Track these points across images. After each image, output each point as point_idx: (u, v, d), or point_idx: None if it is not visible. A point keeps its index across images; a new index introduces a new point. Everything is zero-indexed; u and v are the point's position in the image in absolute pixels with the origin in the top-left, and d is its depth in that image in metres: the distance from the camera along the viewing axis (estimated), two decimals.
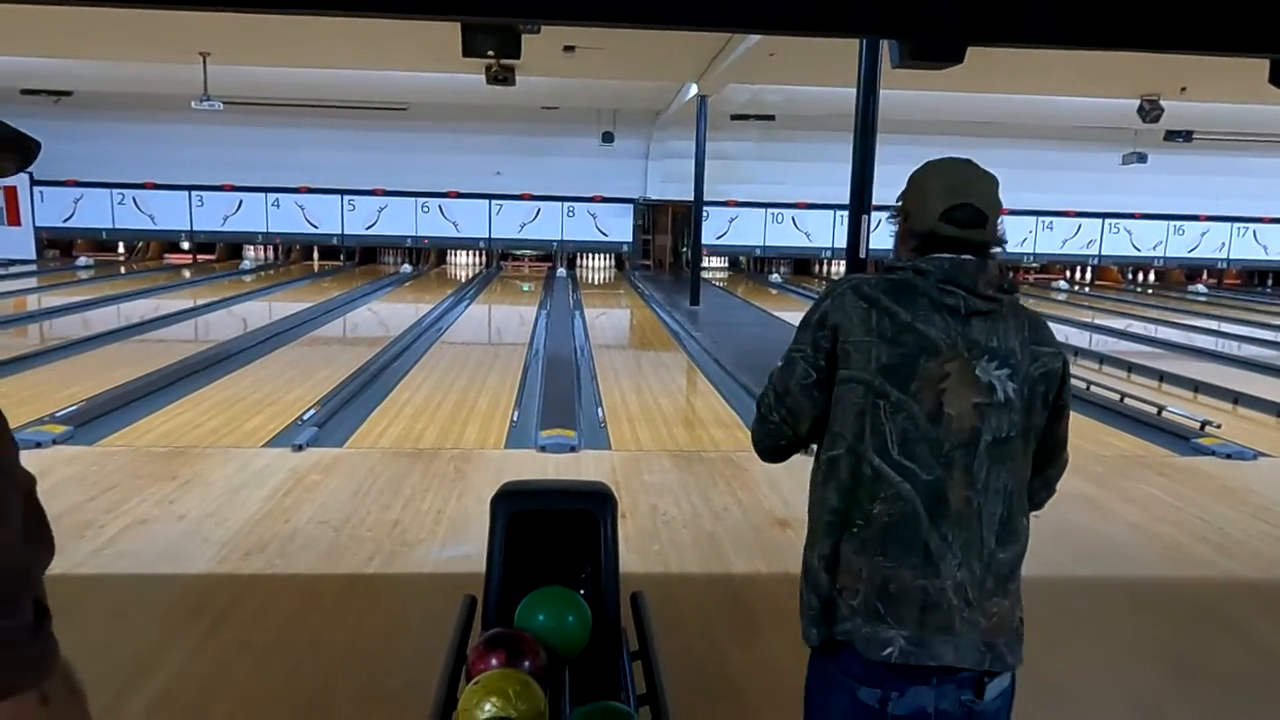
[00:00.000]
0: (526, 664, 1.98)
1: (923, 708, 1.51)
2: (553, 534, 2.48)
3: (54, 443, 5.40)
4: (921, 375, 1.50)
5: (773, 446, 1.75)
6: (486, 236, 20.37)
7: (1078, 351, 10.22)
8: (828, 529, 1.62)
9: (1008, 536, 1.55)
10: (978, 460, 1.50)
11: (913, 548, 1.50)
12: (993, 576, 1.53)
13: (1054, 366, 1.64)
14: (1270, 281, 22.04)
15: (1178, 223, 21.02)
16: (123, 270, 18.45)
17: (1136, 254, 21.32)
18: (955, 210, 1.64)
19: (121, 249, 20.74)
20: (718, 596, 3.64)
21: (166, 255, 20.77)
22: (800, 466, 5.23)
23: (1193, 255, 21.34)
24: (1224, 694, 3.03)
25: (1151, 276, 22.09)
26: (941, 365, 1.51)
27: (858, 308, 1.57)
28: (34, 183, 18.95)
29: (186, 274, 17.85)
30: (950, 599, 1.49)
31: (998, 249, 1.69)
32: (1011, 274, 1.78)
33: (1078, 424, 6.23)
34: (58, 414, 5.96)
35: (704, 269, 16.52)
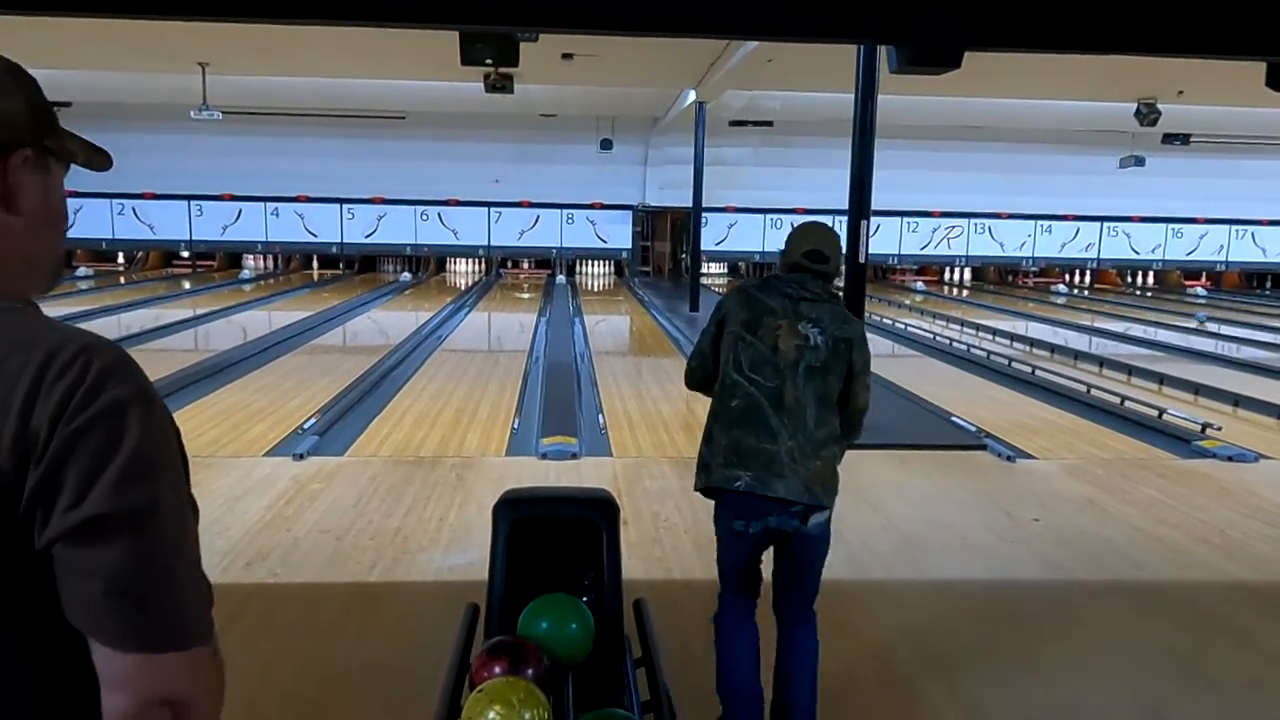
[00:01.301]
0: (530, 672, 1.97)
1: (767, 527, 2.51)
2: (555, 541, 2.47)
3: None
4: (765, 327, 2.50)
5: (698, 380, 2.76)
6: (486, 244, 20.39)
7: (1077, 355, 10.23)
8: (711, 418, 2.60)
9: (821, 424, 2.49)
10: (800, 377, 2.48)
11: (758, 425, 2.46)
12: (811, 446, 2.47)
13: (850, 335, 2.54)
14: (1269, 284, 22.05)
15: (1176, 225, 21.05)
16: (122, 280, 18.45)
17: (1135, 257, 21.34)
18: (810, 251, 2.60)
19: (121, 259, 20.75)
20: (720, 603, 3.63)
21: (173, 264, 20.78)
22: None
23: (1191, 258, 21.36)
24: (1226, 696, 3.02)
25: (1150, 279, 22.11)
26: (776, 322, 2.50)
27: (738, 296, 2.64)
28: None
29: (186, 284, 17.86)
30: (783, 458, 2.44)
31: (836, 275, 2.66)
32: (838, 289, 2.76)
33: (1080, 426, 6.28)
34: None
35: (703, 275, 16.53)
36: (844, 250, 2.75)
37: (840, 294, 2.81)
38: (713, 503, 2.72)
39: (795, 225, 2.80)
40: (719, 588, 2.80)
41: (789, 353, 2.47)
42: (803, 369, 2.47)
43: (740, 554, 2.67)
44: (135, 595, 0.82)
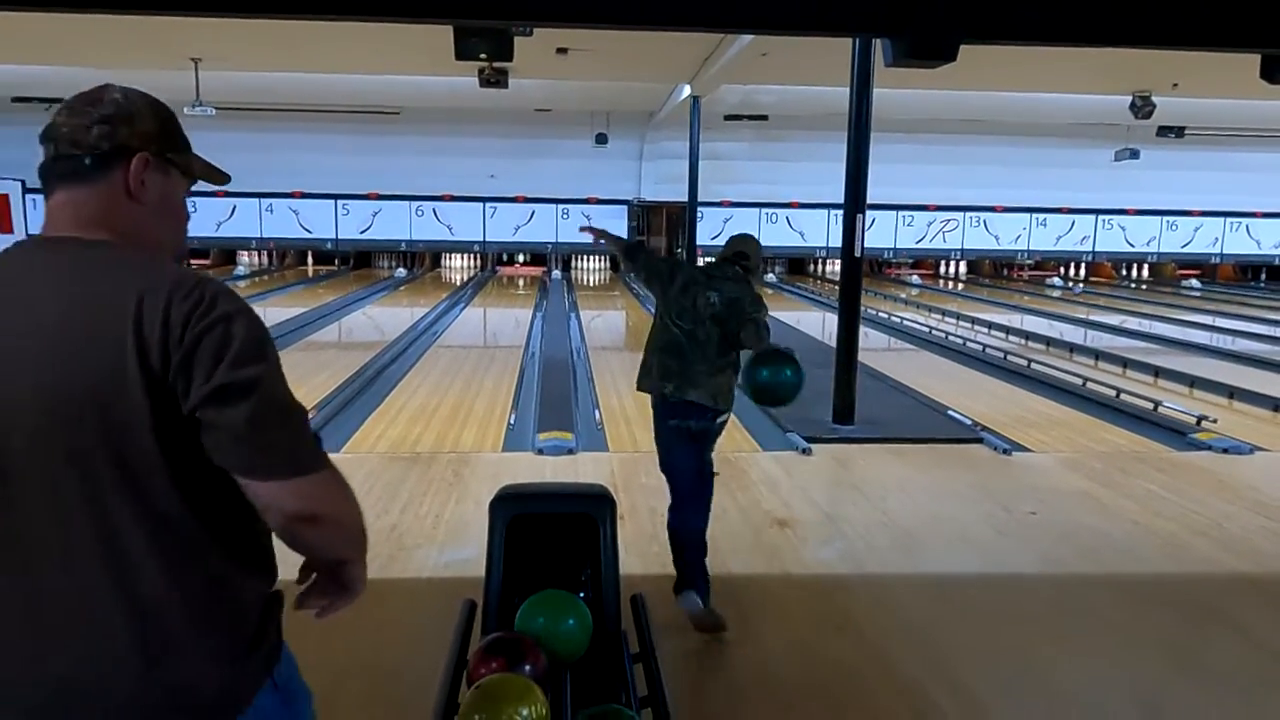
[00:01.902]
0: (528, 668, 1.97)
1: (689, 424, 3.38)
2: (552, 537, 2.47)
3: None
4: (690, 293, 3.44)
5: (641, 276, 3.76)
6: (481, 239, 20.36)
7: (1073, 348, 10.24)
8: (648, 349, 3.53)
9: (724, 352, 3.41)
10: (711, 322, 3.38)
11: (677, 354, 3.40)
12: (714, 367, 3.38)
13: (739, 295, 3.43)
14: (1264, 275, 22.09)
15: (1171, 218, 21.07)
16: None
17: (1130, 250, 21.37)
18: (736, 253, 3.61)
19: None
20: (718, 598, 3.63)
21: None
22: (799, 472, 5.23)
23: (1186, 250, 21.39)
24: (1224, 688, 3.03)
25: (1145, 272, 22.14)
26: (697, 289, 3.43)
27: (686, 270, 3.66)
28: (26, 190, 18.89)
29: None
30: (696, 373, 3.35)
31: (755, 269, 3.63)
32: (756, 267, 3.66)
33: (1076, 420, 6.30)
34: None
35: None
36: (761, 252, 3.76)
37: (748, 278, 3.60)
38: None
39: (732, 235, 3.82)
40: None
41: (702, 309, 3.41)
42: (709, 318, 3.41)
43: (669, 442, 3.50)
44: (256, 440, 1.15)
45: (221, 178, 1.51)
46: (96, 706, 1.15)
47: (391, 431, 6.20)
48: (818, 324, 12.39)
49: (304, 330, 11.08)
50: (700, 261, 19.01)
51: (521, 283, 18.82)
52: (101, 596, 1.14)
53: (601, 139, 19.08)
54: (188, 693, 1.18)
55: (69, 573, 1.13)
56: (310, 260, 21.26)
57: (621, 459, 5.56)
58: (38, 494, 1.13)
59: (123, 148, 1.26)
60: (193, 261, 20.46)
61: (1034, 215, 20.96)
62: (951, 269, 21.99)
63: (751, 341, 3.36)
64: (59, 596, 1.14)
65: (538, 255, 20.90)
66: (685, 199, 14.76)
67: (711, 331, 3.40)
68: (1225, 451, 5.90)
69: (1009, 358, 9.29)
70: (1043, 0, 3.79)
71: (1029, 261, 21.59)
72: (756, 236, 3.84)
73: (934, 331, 11.50)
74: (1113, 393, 7.36)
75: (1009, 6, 3.77)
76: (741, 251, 3.63)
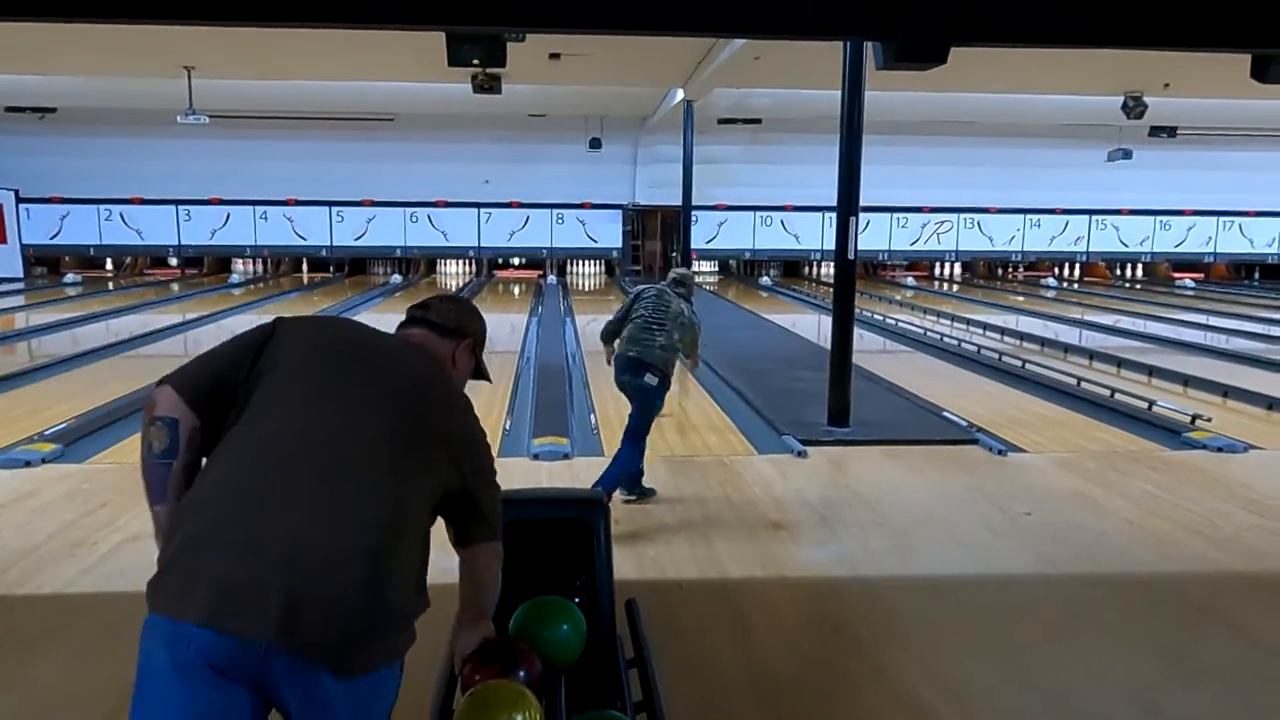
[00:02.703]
0: (522, 674, 1.97)
1: (625, 381, 4.75)
2: (547, 542, 2.47)
3: (43, 461, 5.36)
4: (646, 301, 4.84)
5: (609, 335, 4.88)
6: (476, 245, 20.36)
7: (1067, 348, 10.26)
8: (617, 338, 4.83)
9: (671, 333, 4.75)
10: (662, 322, 4.75)
11: (641, 337, 4.70)
12: (665, 339, 4.72)
13: (678, 311, 4.80)
14: (1257, 274, 22.16)
15: (1164, 218, 21.14)
16: (110, 286, 18.37)
17: (1124, 249, 21.42)
18: (674, 279, 5.08)
19: (109, 265, 20.65)
20: (713, 602, 3.64)
21: (146, 272, 20.67)
22: (793, 473, 5.21)
23: (1180, 250, 21.45)
24: (1219, 687, 3.04)
25: (1139, 271, 22.20)
26: (650, 297, 4.87)
27: (638, 295, 4.91)
28: (20, 200, 18.88)
29: (175, 288, 17.78)
30: (655, 344, 4.68)
31: (690, 289, 5.07)
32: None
33: (1070, 419, 6.30)
34: (47, 432, 5.92)
35: (694, 273, 16.52)
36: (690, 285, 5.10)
37: (688, 297, 5.01)
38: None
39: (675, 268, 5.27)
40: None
41: (650, 311, 4.77)
42: (664, 318, 4.76)
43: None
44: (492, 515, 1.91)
45: (487, 379, 2.16)
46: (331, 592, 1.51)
47: None
48: (813, 326, 12.40)
49: None
50: (696, 265, 19.06)
51: (517, 289, 18.82)
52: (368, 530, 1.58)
53: (595, 144, 19.10)
54: (383, 610, 1.54)
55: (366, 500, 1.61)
56: (305, 267, 21.24)
57: None
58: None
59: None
60: (187, 270, 20.46)
61: (1028, 216, 21.01)
62: (947, 270, 22.02)
63: (685, 346, 4.87)
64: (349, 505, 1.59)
65: (533, 260, 20.91)
66: (679, 203, 14.79)
67: (666, 327, 4.78)
68: (1219, 450, 5.91)
69: (1003, 358, 9.31)
70: (1032, 3, 3.81)
71: (1022, 262, 21.63)
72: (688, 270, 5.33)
73: (929, 333, 11.52)
74: (1107, 392, 7.37)
75: (998, 9, 3.79)
76: (678, 279, 5.11)
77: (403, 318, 2.12)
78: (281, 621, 1.46)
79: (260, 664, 1.47)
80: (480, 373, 2.09)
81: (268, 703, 1.54)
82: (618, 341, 4.79)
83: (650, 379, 4.65)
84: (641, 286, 5.01)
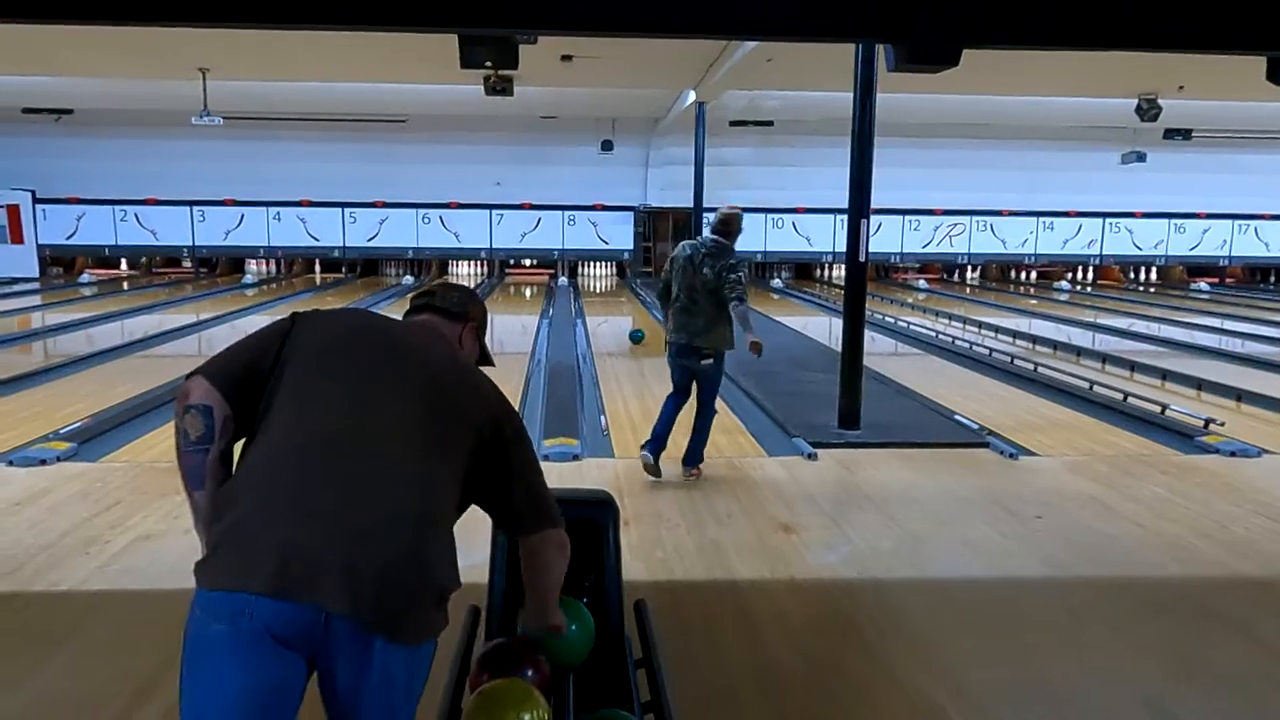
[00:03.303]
0: (530, 673, 1.98)
1: (685, 364, 5.17)
2: None
3: (58, 460, 5.40)
4: (681, 266, 5.07)
5: (662, 297, 5.23)
6: (488, 247, 20.41)
7: (1080, 351, 10.21)
8: (668, 303, 5.18)
9: (718, 310, 4.96)
10: (703, 288, 4.97)
11: (682, 321, 5.06)
12: (704, 316, 4.99)
13: (724, 262, 4.93)
14: (1272, 278, 22.00)
15: (1178, 221, 21.00)
16: (125, 286, 18.48)
17: (1138, 253, 21.30)
18: (716, 225, 5.09)
19: (124, 265, 20.78)
20: (722, 603, 3.64)
21: (157, 271, 20.79)
22: (804, 477, 5.20)
23: (1194, 253, 21.31)
24: (1232, 693, 3.02)
25: (1153, 275, 22.07)
26: (687, 261, 5.04)
27: (673, 259, 5.17)
28: (36, 201, 19.02)
29: (189, 288, 17.87)
30: (696, 327, 5.01)
31: (729, 236, 5.06)
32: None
33: (1083, 423, 6.28)
34: (61, 431, 5.97)
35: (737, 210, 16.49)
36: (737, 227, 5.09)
37: (731, 245, 5.05)
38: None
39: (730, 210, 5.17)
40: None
41: (693, 277, 4.97)
42: (700, 285, 4.95)
43: (676, 374, 5.23)
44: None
45: (490, 363, 2.17)
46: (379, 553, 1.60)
47: None
48: (824, 328, 12.38)
49: None
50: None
51: (528, 290, 18.85)
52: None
53: (607, 146, 19.11)
54: (427, 580, 1.65)
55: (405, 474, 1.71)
56: (318, 268, 21.32)
57: (626, 465, 5.56)
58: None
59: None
60: (200, 270, 20.58)
61: (1041, 219, 20.91)
62: (966, 274, 21.92)
63: (731, 301, 4.89)
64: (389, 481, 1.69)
65: (545, 262, 20.94)
66: (691, 205, 14.78)
67: (708, 296, 4.96)
68: (1233, 455, 5.88)
69: (1015, 361, 9.27)
70: (1046, 4, 3.79)
71: (1033, 264, 21.54)
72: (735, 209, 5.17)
73: (940, 336, 11.48)
74: (1120, 396, 7.34)
75: (1012, 11, 3.77)
76: (719, 224, 5.11)
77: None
78: (342, 587, 1.53)
79: (321, 631, 1.54)
80: (484, 356, 2.16)
81: (310, 671, 1.60)
82: (667, 327, 5.20)
83: (705, 361, 5.02)
84: (678, 247, 5.18)
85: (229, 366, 1.79)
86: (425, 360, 1.89)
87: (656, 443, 5.17)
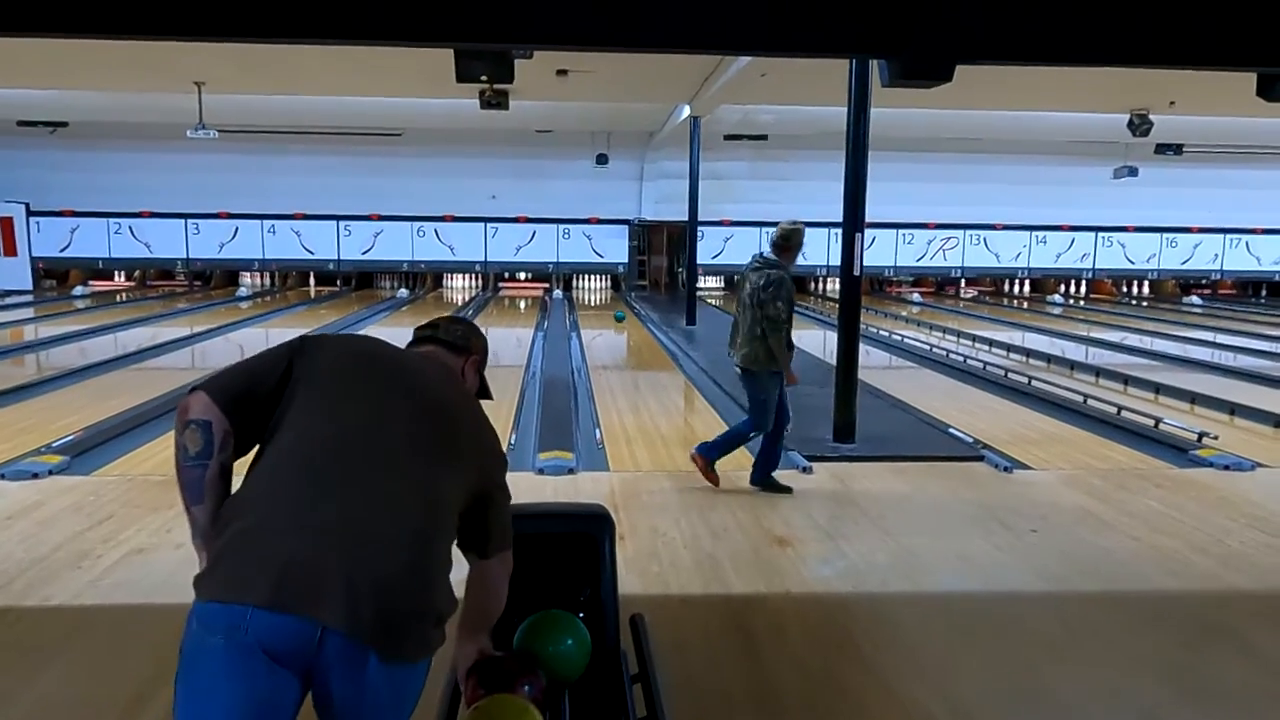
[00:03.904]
0: (527, 689, 1.97)
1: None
2: (551, 557, 2.47)
3: (50, 473, 5.38)
4: (742, 277, 5.26)
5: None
6: (482, 259, 20.43)
7: (1074, 365, 10.24)
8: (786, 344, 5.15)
9: (747, 323, 5.08)
10: (747, 305, 5.08)
11: (731, 335, 5.31)
12: (741, 330, 5.14)
13: (764, 281, 4.96)
14: (1264, 292, 22.11)
15: (1170, 235, 21.12)
16: (123, 298, 18.44)
17: (1130, 267, 21.39)
18: (774, 239, 5.13)
19: (120, 278, 20.75)
20: (718, 617, 3.63)
21: (150, 284, 20.76)
22: (799, 490, 5.19)
23: (1186, 267, 21.42)
24: (1227, 706, 3.02)
25: (1145, 289, 22.17)
26: (744, 274, 5.21)
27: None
28: (30, 213, 19.00)
29: (181, 304, 17.84)
30: (736, 342, 5.22)
31: (780, 247, 5.10)
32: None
33: (1077, 437, 6.29)
34: (54, 444, 5.94)
35: (699, 289, 16.54)
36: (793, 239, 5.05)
37: (778, 263, 5.04)
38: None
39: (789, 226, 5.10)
40: None
41: (743, 292, 5.11)
42: (748, 302, 5.03)
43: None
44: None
45: (488, 397, 2.20)
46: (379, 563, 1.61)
47: None
48: (818, 342, 12.38)
49: None
50: (701, 280, 19.09)
51: (523, 303, 18.86)
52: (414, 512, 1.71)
53: (602, 159, 19.17)
54: (426, 598, 1.66)
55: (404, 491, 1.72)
56: (312, 281, 21.31)
57: (622, 478, 5.56)
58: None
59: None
60: (194, 283, 20.56)
61: (1033, 233, 21.01)
62: (961, 289, 21.97)
63: (767, 323, 4.95)
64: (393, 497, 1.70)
65: (539, 275, 20.96)
66: (685, 218, 14.79)
67: (747, 312, 5.05)
68: (1226, 468, 5.89)
69: (1009, 375, 9.29)
70: (1039, 20, 3.82)
71: (1026, 277, 21.62)
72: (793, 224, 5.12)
73: (934, 349, 11.51)
74: (1114, 410, 7.35)
75: (1005, 27, 3.80)
76: (774, 235, 5.10)
77: (409, 333, 2.19)
78: (340, 603, 1.54)
79: (315, 646, 1.53)
80: (484, 390, 2.20)
81: (305, 690, 1.59)
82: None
83: (740, 374, 5.20)
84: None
85: (231, 383, 1.80)
86: (431, 387, 1.92)
87: (710, 446, 5.24)
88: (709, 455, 5.24)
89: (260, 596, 1.52)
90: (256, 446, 1.79)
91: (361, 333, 13.33)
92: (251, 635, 1.51)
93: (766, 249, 5.17)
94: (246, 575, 1.55)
